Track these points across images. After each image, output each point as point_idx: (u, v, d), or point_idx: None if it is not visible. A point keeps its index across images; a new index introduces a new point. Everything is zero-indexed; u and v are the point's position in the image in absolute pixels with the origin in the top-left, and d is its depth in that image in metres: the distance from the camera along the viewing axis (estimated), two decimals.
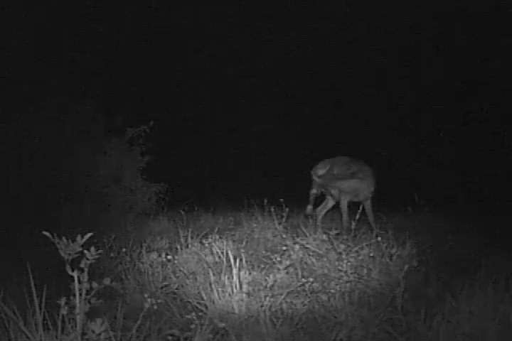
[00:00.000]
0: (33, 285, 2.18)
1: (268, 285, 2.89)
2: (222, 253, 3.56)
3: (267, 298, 2.75)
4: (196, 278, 3.15)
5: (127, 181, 6.39)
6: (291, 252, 3.60)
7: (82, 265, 2.13)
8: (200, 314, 2.49)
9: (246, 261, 3.15)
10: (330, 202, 5.71)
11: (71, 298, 2.12)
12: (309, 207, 5.50)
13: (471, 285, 2.74)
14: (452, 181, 8.13)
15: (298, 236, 4.04)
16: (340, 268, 3.14)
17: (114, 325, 2.21)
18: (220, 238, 4.19)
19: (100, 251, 2.18)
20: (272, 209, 4.74)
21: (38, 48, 6.46)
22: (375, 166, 5.41)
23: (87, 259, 2.13)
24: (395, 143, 9.95)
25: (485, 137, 9.24)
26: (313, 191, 5.59)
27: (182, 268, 3.35)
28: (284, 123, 11.23)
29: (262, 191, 5.77)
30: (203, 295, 2.86)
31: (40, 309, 2.13)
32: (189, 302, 2.91)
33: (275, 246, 4.16)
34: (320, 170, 5.48)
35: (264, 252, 3.94)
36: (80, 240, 2.11)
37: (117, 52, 9.72)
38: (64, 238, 2.10)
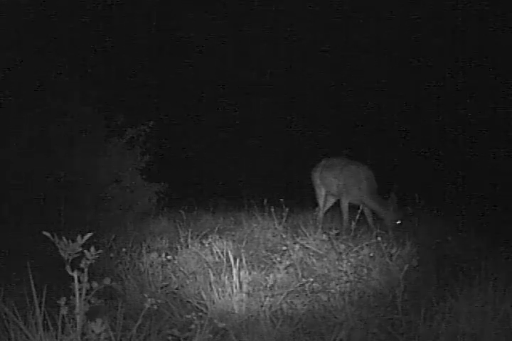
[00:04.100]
0: (33, 285, 2.18)
1: (268, 285, 2.88)
2: (222, 253, 3.55)
3: (267, 298, 2.75)
4: (196, 278, 3.14)
5: (127, 181, 6.39)
6: (291, 252, 3.60)
7: (82, 265, 2.13)
8: (200, 314, 2.49)
9: (246, 261, 3.14)
10: (329, 201, 5.72)
11: (71, 298, 2.12)
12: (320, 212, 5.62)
13: (471, 285, 2.74)
14: (452, 181, 8.13)
15: (298, 236, 4.04)
16: (340, 268, 3.14)
17: (114, 325, 2.21)
18: (220, 238, 4.19)
19: (100, 251, 2.18)
20: (272, 209, 4.73)
21: (38, 49, 6.46)
22: (375, 166, 5.40)
23: (87, 259, 2.14)
24: (395, 143, 9.95)
25: (485, 137, 9.25)
26: (321, 193, 5.67)
27: (182, 268, 3.35)
28: (284, 124, 11.24)
29: (262, 191, 5.77)
30: (203, 295, 2.86)
31: (40, 309, 2.13)
32: (189, 302, 2.91)
33: (275, 246, 4.16)
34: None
35: (264, 252, 3.94)
36: (80, 240, 2.11)
37: (117, 52, 9.73)
38: (64, 238, 2.10)
